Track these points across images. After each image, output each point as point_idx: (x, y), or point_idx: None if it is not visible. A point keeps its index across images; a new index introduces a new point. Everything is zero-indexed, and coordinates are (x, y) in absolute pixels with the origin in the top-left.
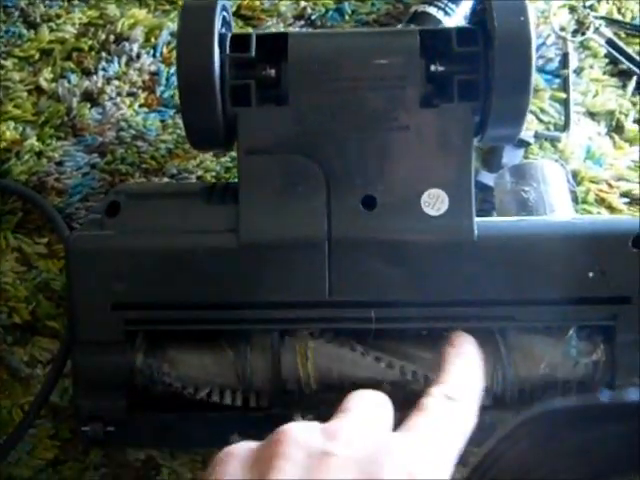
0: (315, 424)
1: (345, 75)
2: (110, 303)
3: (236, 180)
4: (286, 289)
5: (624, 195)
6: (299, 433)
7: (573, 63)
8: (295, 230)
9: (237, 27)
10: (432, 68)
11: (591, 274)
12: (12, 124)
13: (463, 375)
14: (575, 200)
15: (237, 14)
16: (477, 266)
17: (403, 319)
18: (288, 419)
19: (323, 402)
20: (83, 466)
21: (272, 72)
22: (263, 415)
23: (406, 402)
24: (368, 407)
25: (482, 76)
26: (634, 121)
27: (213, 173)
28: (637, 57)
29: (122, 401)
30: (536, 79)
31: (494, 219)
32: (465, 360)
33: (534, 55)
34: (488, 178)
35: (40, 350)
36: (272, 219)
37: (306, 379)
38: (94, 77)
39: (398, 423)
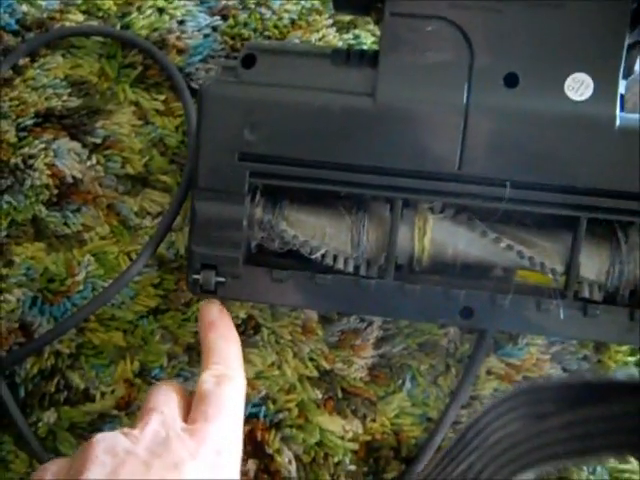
0: (119, 433)
1: None
2: (237, 153)
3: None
4: (415, 158)
5: None
6: (106, 440)
7: None
8: (433, 97)
9: None
10: None
11: None
12: None
13: (223, 350)
14: None
15: None
16: (613, 157)
17: (531, 202)
18: (397, 291)
19: (429, 282)
20: (184, 317)
21: None
22: (372, 284)
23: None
24: (164, 406)
25: None
26: None
27: None
28: None
29: (237, 252)
30: None
31: (635, 115)
32: (219, 332)
33: None
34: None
35: (150, 202)
36: (411, 84)
37: (420, 254)
38: None
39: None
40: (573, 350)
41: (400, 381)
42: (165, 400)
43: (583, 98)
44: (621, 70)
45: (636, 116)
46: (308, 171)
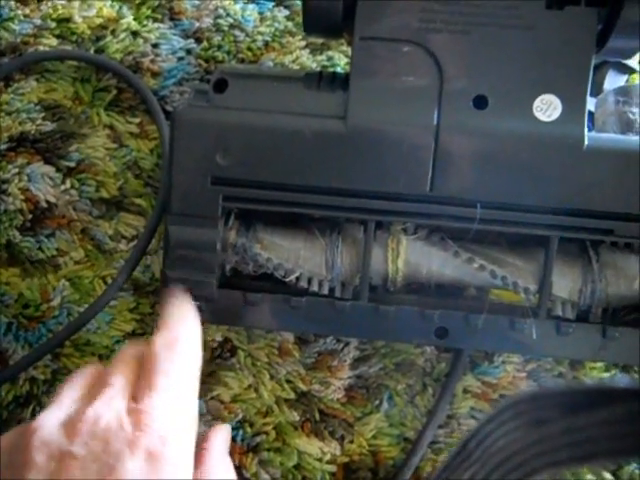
0: (57, 418)
1: None
2: (210, 177)
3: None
4: (387, 180)
5: None
6: (41, 435)
7: None
8: (403, 121)
9: None
10: None
11: None
12: (109, 2)
13: (179, 319)
14: None
15: None
16: (583, 177)
17: (502, 222)
18: (372, 312)
19: (404, 302)
20: None
21: None
22: (347, 306)
23: (490, 309)
24: (117, 377)
25: None
26: None
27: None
28: None
29: (211, 276)
30: None
31: (604, 134)
32: (179, 308)
33: None
34: (588, 102)
35: (125, 226)
36: (381, 108)
37: (394, 275)
38: None
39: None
40: (549, 367)
41: (377, 401)
42: (121, 370)
43: (552, 119)
44: (588, 91)
45: (604, 135)
46: (281, 194)
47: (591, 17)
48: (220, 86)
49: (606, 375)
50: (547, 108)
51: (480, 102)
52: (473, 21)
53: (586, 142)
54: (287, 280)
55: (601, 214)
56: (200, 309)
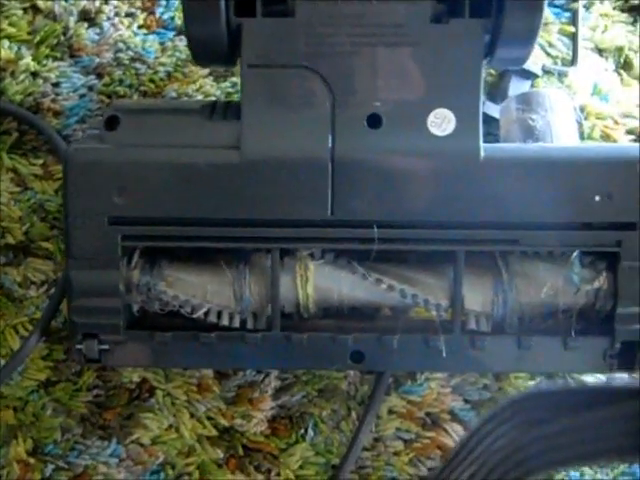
0: None
1: None
2: (107, 218)
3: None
4: (287, 207)
5: (630, 132)
6: None
7: None
8: (298, 147)
9: None
10: None
11: (597, 198)
12: (7, 43)
13: None
14: (581, 135)
15: None
16: (482, 188)
17: (406, 240)
18: (285, 342)
19: (320, 327)
20: (75, 387)
21: None
22: (259, 338)
23: (405, 328)
24: None
25: None
26: None
27: (213, 98)
28: None
29: (117, 319)
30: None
31: (501, 144)
32: None
33: None
34: (493, 110)
35: (33, 271)
36: (275, 135)
37: (305, 301)
38: None
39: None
40: (473, 380)
41: (302, 430)
42: None
43: (446, 133)
44: (481, 102)
45: (501, 145)
46: (182, 229)
47: (477, 29)
48: (112, 123)
49: (531, 383)
50: (441, 122)
51: (374, 121)
52: (359, 41)
53: (482, 154)
54: (195, 316)
55: (504, 225)
56: (110, 352)
